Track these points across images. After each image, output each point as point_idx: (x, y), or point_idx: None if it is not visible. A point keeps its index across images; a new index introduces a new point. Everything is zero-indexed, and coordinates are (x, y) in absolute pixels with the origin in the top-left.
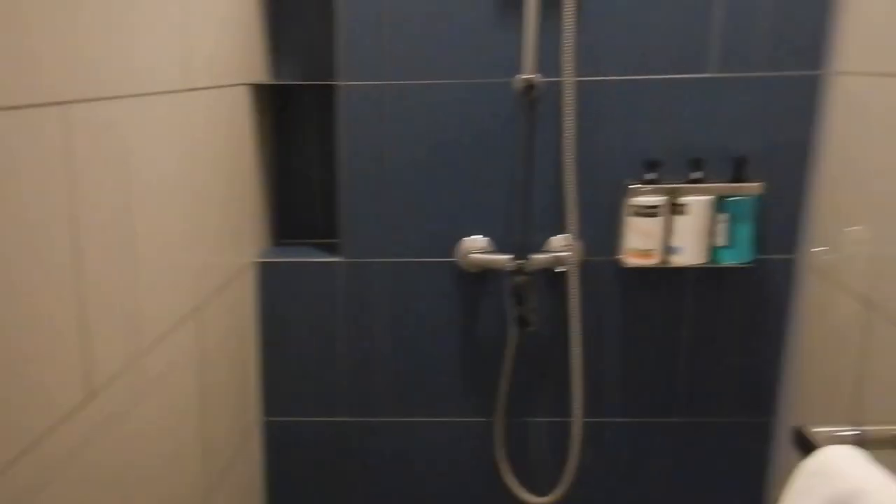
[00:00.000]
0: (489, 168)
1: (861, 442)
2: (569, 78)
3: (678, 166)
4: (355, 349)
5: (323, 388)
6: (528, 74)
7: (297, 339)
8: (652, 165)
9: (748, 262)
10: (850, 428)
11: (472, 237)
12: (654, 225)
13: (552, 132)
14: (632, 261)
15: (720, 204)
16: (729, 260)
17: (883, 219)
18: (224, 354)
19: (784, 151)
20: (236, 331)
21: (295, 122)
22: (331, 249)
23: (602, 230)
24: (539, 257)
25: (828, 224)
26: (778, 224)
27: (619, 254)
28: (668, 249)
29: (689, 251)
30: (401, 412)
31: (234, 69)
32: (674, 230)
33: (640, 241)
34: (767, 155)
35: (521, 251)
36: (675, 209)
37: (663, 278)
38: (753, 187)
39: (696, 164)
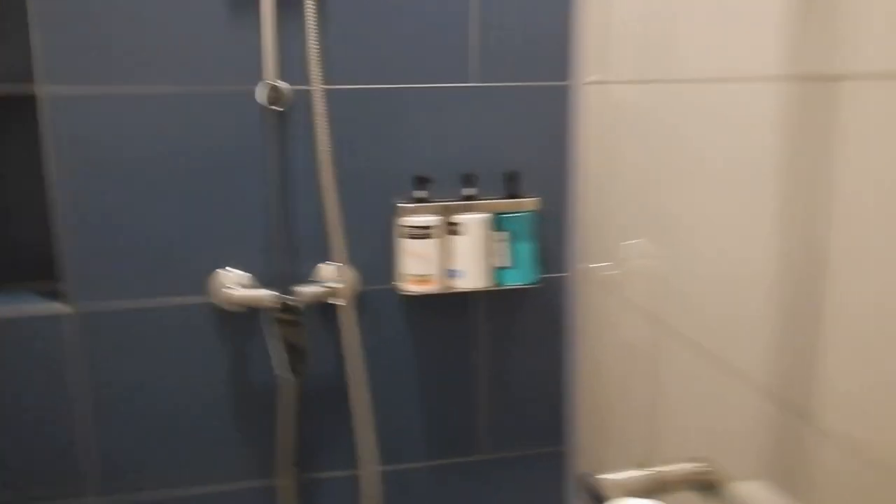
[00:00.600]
0: (240, 190)
1: (652, 489)
2: (318, 86)
3: (451, 183)
4: (96, 413)
5: (60, 465)
6: (271, 81)
7: (17, 406)
8: (421, 182)
9: (533, 283)
10: (639, 472)
11: (229, 271)
12: (429, 247)
13: (307, 148)
14: (410, 288)
15: (497, 222)
16: (513, 281)
17: (656, 230)
18: None
19: (552, 164)
20: None
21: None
22: (54, 294)
23: (376, 255)
24: (307, 290)
25: (606, 238)
26: (557, 240)
27: (396, 280)
28: (449, 273)
29: (470, 274)
30: (162, 484)
31: None
32: (452, 252)
33: (416, 266)
34: (538, 168)
35: (287, 284)
36: (451, 229)
37: (448, 305)
38: (528, 203)
39: (469, 181)
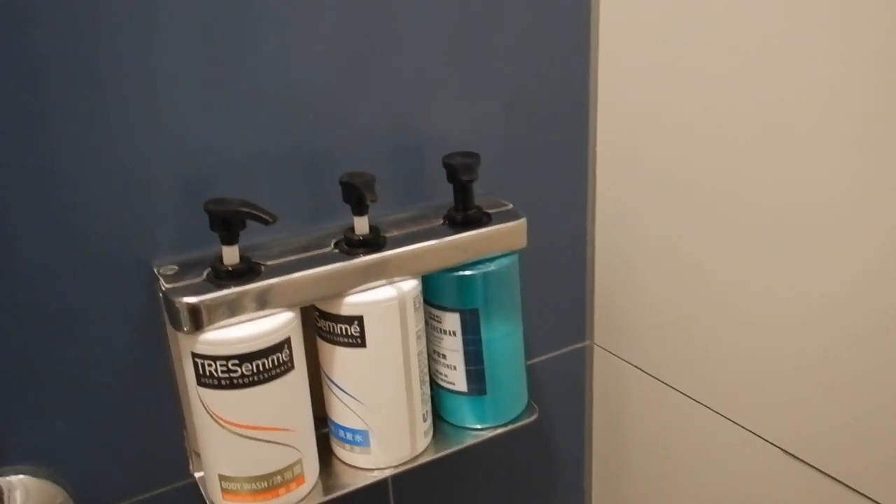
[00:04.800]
0: None
1: None
2: None
3: (302, 206)
4: None
5: None
6: None
7: None
8: (226, 221)
9: (519, 419)
10: None
11: None
12: (281, 396)
13: None
14: None
15: (434, 290)
16: (478, 422)
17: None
18: None
19: (547, 143)
20: None
21: None
22: None
23: (117, 436)
24: None
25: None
26: (561, 303)
27: (195, 478)
28: (339, 436)
29: (386, 435)
30: None
31: None
32: (336, 387)
33: (242, 457)
34: (515, 155)
35: None
36: (327, 332)
37: None
38: (506, 235)
39: (357, 194)
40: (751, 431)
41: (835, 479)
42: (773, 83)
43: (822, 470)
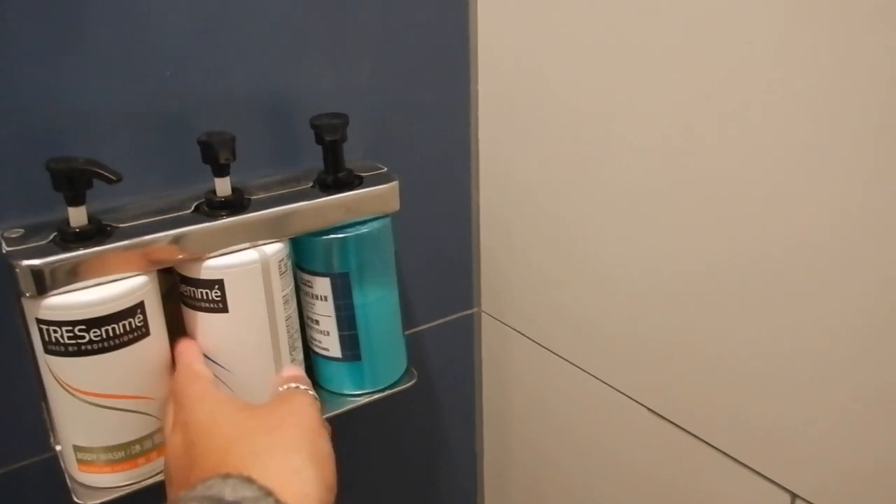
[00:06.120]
0: None
1: None
2: None
3: (156, 166)
4: None
5: None
6: None
7: None
8: (69, 180)
9: (397, 384)
10: None
11: None
12: (126, 364)
13: None
14: (88, 478)
15: (305, 252)
16: (355, 388)
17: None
18: None
19: (423, 94)
20: None
21: None
22: None
23: None
24: None
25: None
26: (444, 270)
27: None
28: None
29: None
30: None
31: None
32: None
33: (96, 427)
34: (384, 110)
35: None
36: (188, 296)
37: None
38: (382, 194)
39: (210, 149)
40: (621, 392)
41: (689, 432)
42: (656, 43)
43: (679, 425)
